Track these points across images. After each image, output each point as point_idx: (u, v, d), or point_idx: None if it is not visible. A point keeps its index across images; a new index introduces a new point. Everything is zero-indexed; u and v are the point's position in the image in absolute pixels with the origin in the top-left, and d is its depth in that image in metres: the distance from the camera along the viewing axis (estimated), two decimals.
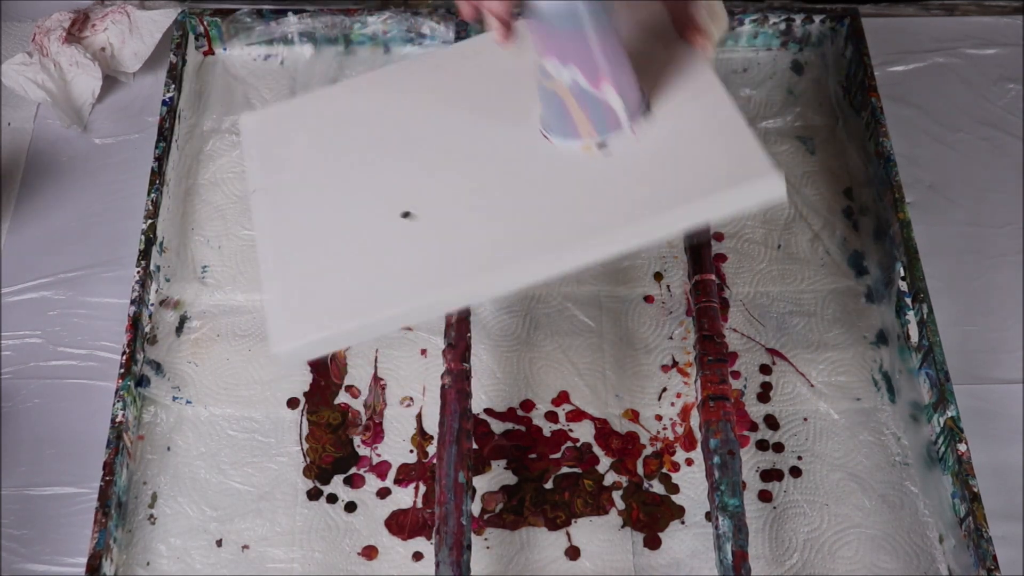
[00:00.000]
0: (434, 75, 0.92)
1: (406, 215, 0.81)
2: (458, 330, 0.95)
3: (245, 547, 0.94)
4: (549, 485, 0.97)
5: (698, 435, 0.98)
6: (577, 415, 1.00)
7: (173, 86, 1.14)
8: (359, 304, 0.78)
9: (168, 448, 0.98)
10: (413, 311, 0.78)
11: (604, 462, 0.98)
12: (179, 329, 1.04)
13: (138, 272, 1.01)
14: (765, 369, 1.03)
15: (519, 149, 0.83)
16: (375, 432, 0.99)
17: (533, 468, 0.98)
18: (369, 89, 0.93)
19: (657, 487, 0.97)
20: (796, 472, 0.98)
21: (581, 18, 0.77)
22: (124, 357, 0.97)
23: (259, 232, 0.84)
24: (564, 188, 0.80)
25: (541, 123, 0.84)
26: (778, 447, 0.99)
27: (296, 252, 0.82)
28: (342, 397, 1.01)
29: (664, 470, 0.98)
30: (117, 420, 0.94)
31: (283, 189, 0.86)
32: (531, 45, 0.80)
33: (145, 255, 1.02)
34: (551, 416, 1.00)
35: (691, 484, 0.97)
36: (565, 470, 0.98)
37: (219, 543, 0.94)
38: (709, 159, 0.79)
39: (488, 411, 1.00)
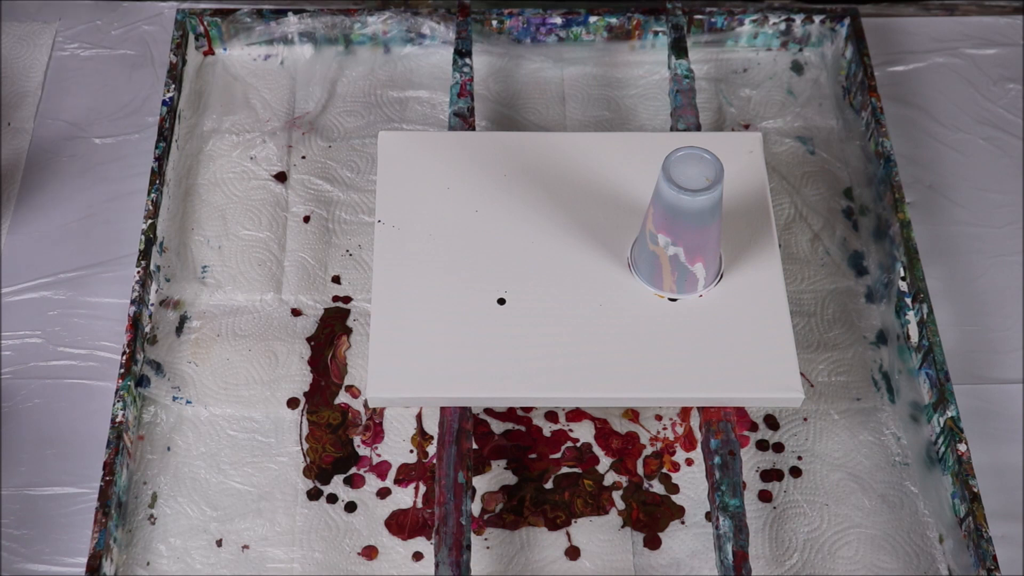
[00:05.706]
0: (577, 155, 1.02)
1: (501, 302, 0.94)
2: None
3: (245, 547, 0.94)
4: (549, 485, 0.97)
5: (698, 435, 0.98)
6: (577, 415, 1.00)
7: (173, 86, 1.14)
8: (447, 383, 0.92)
9: (168, 448, 0.98)
10: (488, 401, 0.94)
11: (604, 462, 0.98)
12: (179, 329, 1.04)
13: (138, 272, 1.01)
14: None
15: (607, 271, 0.96)
16: (375, 432, 0.99)
17: (533, 468, 0.98)
18: (509, 146, 1.04)
19: (657, 487, 0.97)
20: (796, 472, 0.98)
21: (706, 219, 0.88)
22: (124, 357, 0.97)
23: (377, 265, 0.97)
24: (632, 328, 0.94)
25: (631, 257, 0.96)
26: (778, 447, 0.99)
27: (404, 307, 0.94)
28: (342, 397, 1.01)
29: (664, 470, 0.98)
30: (117, 420, 0.94)
31: (404, 228, 0.98)
32: (647, 215, 0.91)
33: (145, 255, 1.02)
34: (551, 416, 1.00)
35: (691, 484, 0.97)
36: (565, 470, 0.98)
37: (219, 543, 0.94)
38: (751, 354, 0.93)
39: (488, 411, 1.00)
